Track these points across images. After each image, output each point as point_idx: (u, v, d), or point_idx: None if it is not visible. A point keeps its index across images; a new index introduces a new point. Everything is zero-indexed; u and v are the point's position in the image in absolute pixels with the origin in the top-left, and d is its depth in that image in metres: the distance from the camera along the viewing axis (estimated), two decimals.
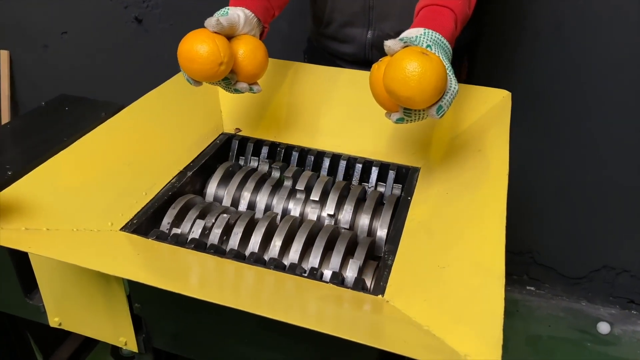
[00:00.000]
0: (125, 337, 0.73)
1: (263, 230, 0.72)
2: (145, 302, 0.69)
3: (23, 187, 0.66)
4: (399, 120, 0.68)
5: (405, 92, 0.62)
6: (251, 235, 0.72)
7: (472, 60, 1.15)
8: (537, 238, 1.71)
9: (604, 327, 1.65)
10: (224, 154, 0.92)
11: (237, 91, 0.78)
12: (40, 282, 0.74)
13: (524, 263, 1.77)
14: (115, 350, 1.14)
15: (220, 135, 0.94)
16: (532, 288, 1.80)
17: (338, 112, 0.93)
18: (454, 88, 0.66)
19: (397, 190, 0.85)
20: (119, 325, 0.72)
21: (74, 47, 1.83)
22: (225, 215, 0.75)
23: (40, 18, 1.82)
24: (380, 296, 0.61)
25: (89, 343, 1.19)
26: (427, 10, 0.75)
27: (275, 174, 0.88)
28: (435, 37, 0.69)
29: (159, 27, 1.71)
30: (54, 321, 0.77)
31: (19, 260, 0.75)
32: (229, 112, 0.97)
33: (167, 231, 0.74)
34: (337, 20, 1.06)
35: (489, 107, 0.87)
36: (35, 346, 1.12)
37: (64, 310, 0.76)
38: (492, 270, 0.54)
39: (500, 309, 0.49)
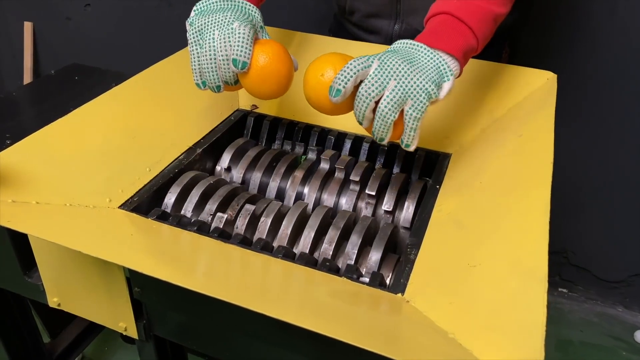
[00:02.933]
0: (125, 323, 0.69)
1: (273, 215, 0.65)
2: (145, 286, 0.63)
3: (13, 155, 0.61)
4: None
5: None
6: (260, 220, 0.66)
7: (513, 46, 1.05)
8: (572, 237, 1.62)
9: None
10: (238, 131, 0.86)
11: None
12: (39, 260, 0.70)
13: (557, 263, 1.67)
14: None
15: (235, 111, 0.88)
16: (565, 290, 1.71)
17: None
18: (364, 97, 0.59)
19: (424, 178, 0.78)
20: (119, 309, 0.67)
21: (97, 20, 1.80)
22: (233, 197, 0.69)
23: None
24: (399, 294, 0.54)
25: (97, 324, 1.16)
26: (435, 21, 0.67)
27: (297, 151, 0.81)
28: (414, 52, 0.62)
29: (182, 0, 1.65)
30: (52, 301, 0.73)
31: (17, 235, 0.71)
32: None
33: (169, 211, 0.68)
34: (361, 10, 0.99)
35: (532, 90, 0.79)
36: (42, 326, 1.09)
37: (63, 290, 0.71)
38: (533, 271, 0.46)
39: (542, 317, 0.41)
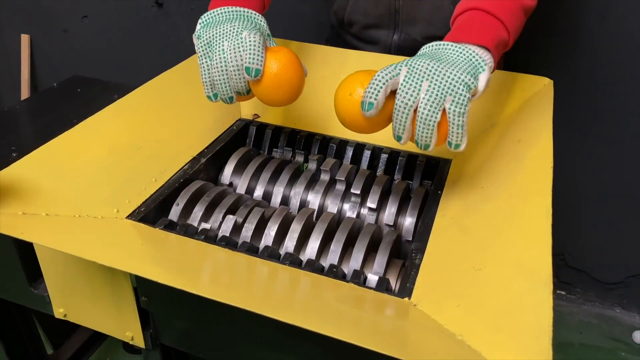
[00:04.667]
0: (131, 332, 0.69)
1: (278, 222, 0.66)
2: (152, 295, 0.64)
3: (22, 169, 0.61)
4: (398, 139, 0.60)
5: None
6: (265, 227, 0.66)
7: (509, 52, 1.07)
8: (569, 239, 1.63)
9: (639, 336, 1.56)
10: (241, 140, 0.87)
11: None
12: (45, 271, 0.70)
13: (555, 265, 1.64)
14: (127, 342, 1.11)
15: (237, 121, 0.89)
16: (563, 292, 1.72)
17: None
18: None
19: (425, 184, 0.79)
20: (125, 319, 0.68)
21: (94, 32, 1.81)
22: (239, 205, 0.70)
23: (60, 2, 1.79)
24: (406, 299, 0.55)
25: (100, 334, 1.16)
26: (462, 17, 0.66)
27: (298, 159, 0.82)
28: (445, 49, 0.59)
29: (179, 11, 1.67)
30: (58, 312, 0.73)
31: (24, 247, 0.71)
32: None
33: (176, 220, 0.69)
34: (359, 21, 1.00)
35: (529, 96, 0.80)
36: (45, 336, 1.09)
37: (69, 301, 0.72)
38: (537, 274, 0.47)
39: (548, 319, 0.42)
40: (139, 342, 0.69)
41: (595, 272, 1.65)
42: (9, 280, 0.76)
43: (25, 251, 0.71)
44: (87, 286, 0.67)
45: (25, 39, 1.87)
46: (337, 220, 0.70)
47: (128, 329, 0.68)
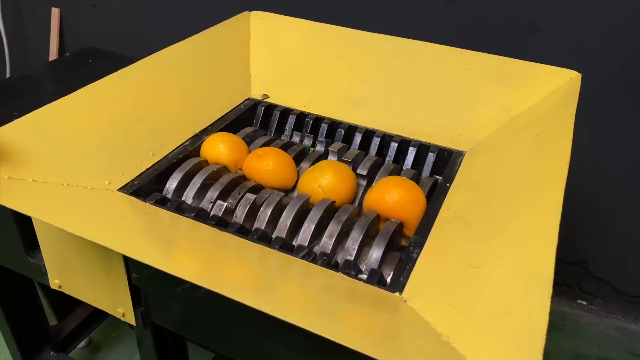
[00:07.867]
0: (123, 308, 0.68)
1: (273, 205, 0.63)
2: (143, 272, 0.62)
3: (11, 131, 0.60)
4: None
5: None
6: (259, 210, 0.64)
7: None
8: (593, 247, 1.55)
9: None
10: (248, 120, 0.85)
11: None
12: (41, 240, 0.69)
13: (576, 274, 1.61)
14: None
15: (246, 100, 0.86)
16: (584, 302, 1.65)
17: (377, 82, 0.83)
18: None
19: (435, 176, 0.75)
20: (117, 294, 0.66)
21: (121, 8, 1.81)
22: (235, 185, 0.67)
23: None
24: (397, 294, 0.51)
25: None
26: None
27: (306, 143, 0.79)
28: None
29: None
30: (54, 283, 0.72)
31: (21, 216, 0.70)
32: (259, 75, 0.89)
33: (168, 196, 0.67)
34: None
35: (553, 89, 0.75)
36: (49, 308, 1.09)
37: (64, 272, 0.71)
38: (537, 275, 0.43)
39: (543, 324, 0.38)
40: (130, 319, 0.67)
41: (619, 283, 1.57)
42: (8, 248, 0.75)
43: (23, 220, 0.70)
44: (81, 258, 0.66)
45: (55, 12, 1.89)
46: (333, 208, 0.67)
47: (120, 304, 0.67)
